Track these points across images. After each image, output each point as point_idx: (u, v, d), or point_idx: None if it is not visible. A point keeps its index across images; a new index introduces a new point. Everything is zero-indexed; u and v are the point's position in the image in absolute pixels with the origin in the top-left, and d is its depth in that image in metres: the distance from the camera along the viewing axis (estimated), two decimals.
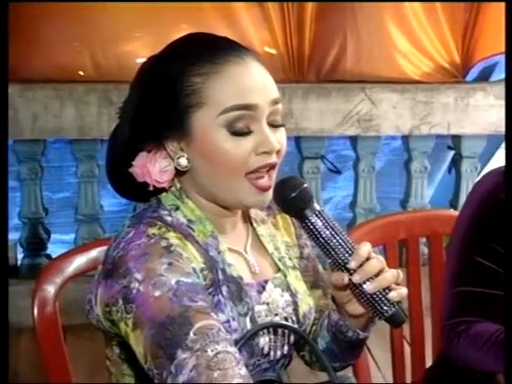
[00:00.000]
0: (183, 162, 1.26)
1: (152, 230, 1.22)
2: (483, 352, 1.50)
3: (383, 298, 1.19)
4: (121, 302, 1.16)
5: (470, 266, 1.58)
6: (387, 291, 1.19)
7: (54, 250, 3.63)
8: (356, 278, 1.19)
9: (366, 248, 1.21)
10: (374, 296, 1.19)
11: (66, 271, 1.56)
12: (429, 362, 1.86)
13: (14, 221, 3.81)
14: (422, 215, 1.78)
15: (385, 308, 1.19)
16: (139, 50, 3.49)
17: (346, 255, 1.20)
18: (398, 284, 1.21)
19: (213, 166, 1.25)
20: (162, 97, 1.26)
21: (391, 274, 1.21)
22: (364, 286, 1.19)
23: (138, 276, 1.15)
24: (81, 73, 3.56)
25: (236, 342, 1.23)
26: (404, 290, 1.21)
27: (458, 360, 1.57)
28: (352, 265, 1.19)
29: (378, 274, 1.20)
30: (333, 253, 1.21)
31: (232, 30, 3.49)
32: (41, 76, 3.50)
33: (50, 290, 1.53)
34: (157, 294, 1.13)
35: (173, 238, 1.22)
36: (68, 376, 1.54)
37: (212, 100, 1.23)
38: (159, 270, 1.15)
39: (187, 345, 1.07)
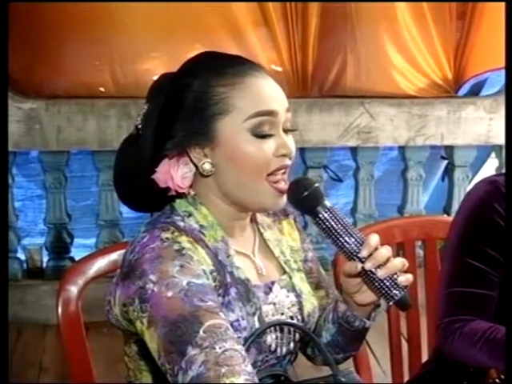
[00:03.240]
0: (207, 166, 1.27)
1: (165, 235, 1.21)
2: (476, 348, 1.49)
3: (393, 283, 1.20)
4: (137, 301, 1.16)
5: (464, 268, 1.57)
6: (396, 277, 1.20)
7: (76, 253, 3.62)
8: (368, 265, 1.20)
9: (374, 239, 1.22)
10: (385, 281, 1.20)
11: (88, 273, 1.55)
12: (424, 357, 1.85)
13: (39, 226, 3.82)
14: (418, 220, 1.77)
15: (394, 292, 1.20)
16: (155, 68, 3.49)
17: (358, 245, 1.21)
18: (404, 272, 1.22)
19: (238, 168, 1.25)
20: (189, 107, 1.26)
21: (399, 261, 1.22)
22: (375, 272, 1.20)
23: (153, 277, 1.15)
24: (102, 89, 3.57)
25: (246, 340, 1.23)
26: (410, 276, 1.22)
27: (452, 356, 1.56)
28: (363, 253, 1.20)
29: (386, 262, 1.21)
30: (345, 244, 1.22)
31: (241, 48, 3.50)
32: (65, 92, 3.51)
33: (73, 290, 1.52)
34: (169, 294, 1.13)
35: (185, 241, 1.21)
36: (89, 369, 1.53)
37: (237, 107, 1.24)
38: (172, 272, 1.15)
39: (197, 342, 1.07)
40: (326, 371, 1.35)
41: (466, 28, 3.77)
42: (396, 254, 1.89)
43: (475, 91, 4.00)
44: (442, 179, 4.03)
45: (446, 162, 3.96)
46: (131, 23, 3.47)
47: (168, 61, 3.43)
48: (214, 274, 1.24)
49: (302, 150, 3.68)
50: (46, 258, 3.70)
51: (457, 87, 3.85)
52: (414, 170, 3.83)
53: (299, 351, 1.46)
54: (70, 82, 3.50)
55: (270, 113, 1.25)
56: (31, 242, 3.81)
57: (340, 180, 3.91)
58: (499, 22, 3.33)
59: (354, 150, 3.79)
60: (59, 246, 3.64)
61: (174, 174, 1.27)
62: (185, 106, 1.26)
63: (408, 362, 1.89)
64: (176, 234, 1.22)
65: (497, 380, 1.45)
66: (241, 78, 1.26)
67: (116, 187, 1.37)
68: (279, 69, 3.63)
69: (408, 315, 1.87)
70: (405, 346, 1.89)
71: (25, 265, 3.70)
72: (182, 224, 1.26)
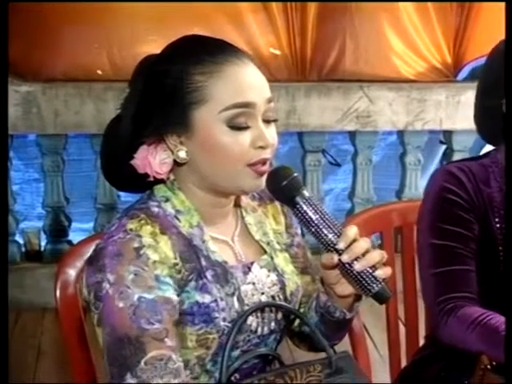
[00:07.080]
0: (182, 154, 1.26)
1: (131, 225, 1.23)
2: (468, 333, 1.50)
3: (370, 276, 1.18)
4: (92, 294, 1.21)
5: (433, 250, 1.60)
6: (374, 269, 1.18)
7: (74, 237, 3.63)
8: (345, 258, 1.18)
9: (352, 230, 1.20)
10: (362, 274, 1.18)
11: (86, 255, 1.54)
12: (422, 341, 1.86)
13: (37, 209, 3.82)
14: (416, 204, 1.77)
15: (372, 285, 1.18)
16: (153, 51, 3.46)
17: (335, 237, 1.20)
18: (383, 264, 1.20)
19: (213, 158, 1.24)
20: (165, 94, 1.25)
21: (377, 253, 1.19)
22: (352, 264, 1.18)
23: (110, 278, 1.19)
24: (99, 72, 3.56)
25: (225, 321, 1.24)
26: (388, 269, 1.20)
27: (445, 339, 1.56)
28: (340, 245, 1.19)
29: (364, 254, 1.19)
30: (322, 235, 1.20)
31: (240, 32, 3.49)
32: (62, 75, 3.50)
33: (72, 273, 1.52)
34: (120, 305, 1.18)
35: (147, 235, 1.22)
36: (87, 352, 1.53)
37: (214, 97, 1.22)
38: (126, 280, 1.18)
39: (136, 372, 1.15)
40: (323, 355, 1.34)
41: (465, 12, 3.76)
42: (394, 238, 1.91)
43: (474, 75, 3.99)
44: (441, 164, 4.03)
45: (444, 146, 3.96)
46: (129, 6, 3.46)
47: (166, 44, 3.40)
48: (178, 266, 1.24)
49: (300, 134, 3.67)
50: (44, 242, 3.71)
51: (456, 71, 3.85)
52: (413, 155, 3.83)
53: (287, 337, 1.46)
54: (68, 65, 3.50)
55: (247, 105, 1.23)
56: (29, 225, 3.82)
57: (338, 164, 3.91)
58: (499, 6, 3.33)
59: (352, 135, 3.79)
60: (57, 229, 3.65)
61: (151, 160, 1.27)
62: (162, 92, 1.25)
63: (405, 346, 1.90)
64: (142, 222, 1.24)
65: (488, 366, 1.45)
66: (219, 66, 1.23)
67: (103, 170, 1.38)
68: (278, 52, 3.62)
69: (405, 299, 1.88)
70: (402, 330, 1.89)
71: (23, 248, 3.71)
72: (155, 210, 1.28)
